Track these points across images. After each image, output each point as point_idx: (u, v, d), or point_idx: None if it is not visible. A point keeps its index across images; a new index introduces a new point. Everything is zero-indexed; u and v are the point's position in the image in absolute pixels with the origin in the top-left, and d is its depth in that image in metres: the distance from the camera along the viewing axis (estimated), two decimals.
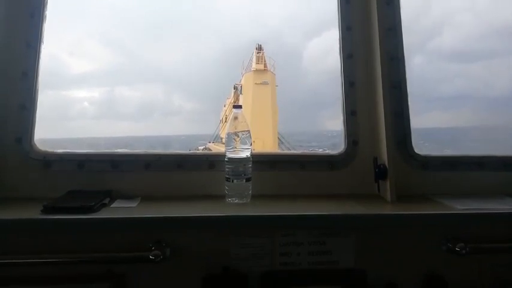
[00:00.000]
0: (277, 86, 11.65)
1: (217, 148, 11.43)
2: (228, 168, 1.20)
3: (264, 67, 11.46)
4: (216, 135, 13.74)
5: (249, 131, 1.22)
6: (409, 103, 1.36)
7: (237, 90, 12.18)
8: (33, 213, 1.03)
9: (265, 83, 11.14)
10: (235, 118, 1.23)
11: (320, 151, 1.44)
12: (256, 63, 11.39)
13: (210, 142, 14.17)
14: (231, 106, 1.28)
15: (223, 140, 1.30)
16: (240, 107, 1.27)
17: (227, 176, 1.20)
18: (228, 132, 1.22)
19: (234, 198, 1.20)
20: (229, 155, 1.21)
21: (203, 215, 1.07)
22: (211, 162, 1.30)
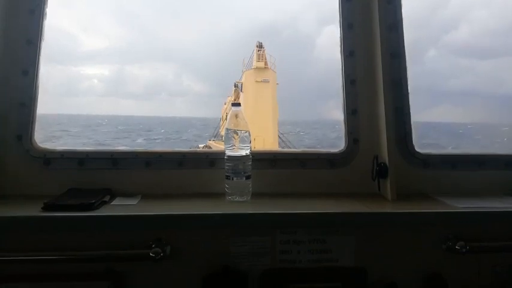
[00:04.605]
0: (277, 84, 11.63)
1: (217, 146, 11.44)
2: (227, 166, 1.20)
3: (265, 65, 11.43)
4: (217, 133, 13.73)
5: (248, 129, 1.22)
6: (410, 101, 1.36)
7: (238, 88, 12.16)
8: (33, 210, 1.03)
9: (265, 81, 11.12)
10: (234, 116, 1.22)
11: (321, 149, 1.43)
12: (257, 61, 11.36)
13: (210, 140, 14.16)
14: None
15: (224, 138, 1.30)
16: (238, 104, 1.26)
17: (227, 174, 1.20)
18: (227, 129, 1.22)
19: (234, 196, 1.20)
20: (229, 153, 1.21)
21: (203, 213, 1.07)
22: (211, 160, 1.30)
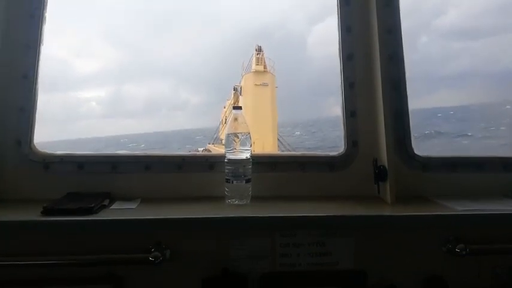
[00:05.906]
0: (276, 87, 11.66)
1: (217, 149, 11.45)
2: (227, 169, 1.20)
3: (264, 68, 11.47)
4: (216, 137, 13.75)
5: (249, 132, 1.22)
6: (409, 103, 1.36)
7: (237, 91, 12.20)
8: (33, 215, 1.03)
9: (264, 85, 11.15)
10: (235, 119, 1.23)
11: (320, 152, 1.44)
12: (256, 65, 11.40)
13: (209, 143, 14.18)
14: (231, 107, 1.28)
15: (223, 142, 1.30)
16: (239, 108, 1.27)
17: (227, 177, 1.20)
18: (228, 133, 1.22)
19: (233, 200, 1.20)
20: (229, 156, 1.21)
21: (203, 216, 1.07)
22: (211, 164, 1.30)
